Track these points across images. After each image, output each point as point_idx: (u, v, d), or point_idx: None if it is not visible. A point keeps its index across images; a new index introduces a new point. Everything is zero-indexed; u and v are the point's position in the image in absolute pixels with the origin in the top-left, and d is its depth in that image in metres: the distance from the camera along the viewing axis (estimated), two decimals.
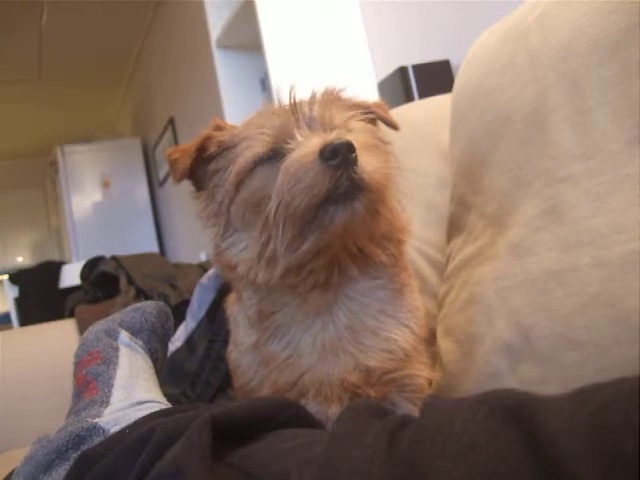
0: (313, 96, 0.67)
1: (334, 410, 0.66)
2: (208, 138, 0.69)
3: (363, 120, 0.69)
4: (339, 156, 0.57)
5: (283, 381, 0.68)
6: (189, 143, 0.70)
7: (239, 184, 0.65)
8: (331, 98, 0.68)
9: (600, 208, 0.64)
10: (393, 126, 0.73)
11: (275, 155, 0.63)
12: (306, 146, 0.60)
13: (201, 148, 0.69)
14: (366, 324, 0.68)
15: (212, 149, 0.69)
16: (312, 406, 0.66)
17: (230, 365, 0.77)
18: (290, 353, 0.68)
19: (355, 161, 0.58)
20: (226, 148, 0.68)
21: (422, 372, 0.70)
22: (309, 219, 0.59)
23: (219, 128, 0.70)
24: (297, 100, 0.66)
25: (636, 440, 0.31)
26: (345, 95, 0.71)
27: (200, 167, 0.70)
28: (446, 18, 1.71)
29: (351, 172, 0.58)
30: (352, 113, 0.68)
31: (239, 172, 0.64)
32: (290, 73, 2.01)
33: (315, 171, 0.58)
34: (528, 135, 0.75)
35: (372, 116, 0.71)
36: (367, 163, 0.59)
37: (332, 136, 0.59)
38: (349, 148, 0.57)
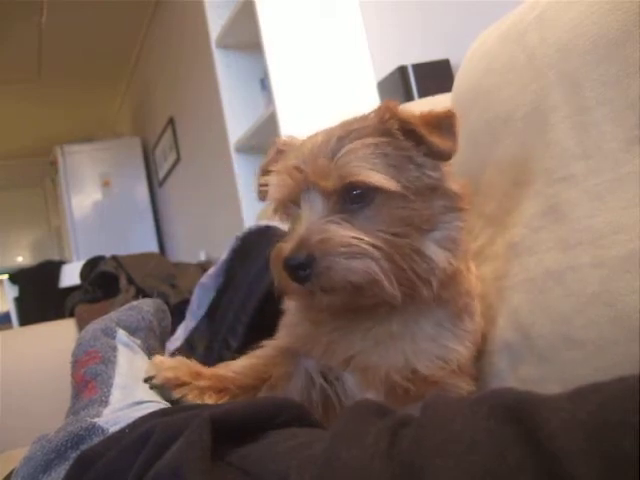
0: (338, 139, 0.64)
1: (370, 396, 0.67)
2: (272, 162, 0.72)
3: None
4: (293, 271, 0.61)
5: (334, 350, 0.69)
6: (270, 164, 0.72)
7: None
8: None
9: (600, 207, 0.64)
10: (440, 155, 0.65)
11: (290, 207, 0.68)
12: (290, 239, 0.63)
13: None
14: (423, 329, 0.68)
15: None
16: (351, 386, 0.68)
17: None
18: (342, 334, 0.69)
19: (309, 277, 0.60)
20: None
21: (467, 385, 0.69)
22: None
23: (280, 152, 0.72)
24: (322, 141, 0.65)
25: (636, 439, 0.31)
26: (400, 113, 0.65)
27: None
28: (446, 18, 1.71)
29: (307, 283, 0.61)
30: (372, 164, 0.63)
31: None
32: (290, 73, 2.01)
33: (280, 272, 0.63)
34: (528, 134, 0.75)
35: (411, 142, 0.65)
36: (337, 271, 0.60)
37: (295, 244, 0.61)
38: (299, 267, 0.60)
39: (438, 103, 1.10)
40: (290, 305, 0.76)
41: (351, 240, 0.60)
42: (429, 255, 0.64)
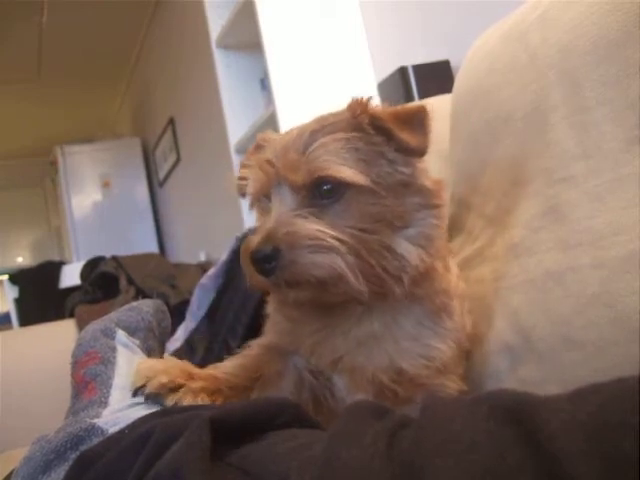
0: (311, 133, 0.64)
1: (358, 398, 0.67)
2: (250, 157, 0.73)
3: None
4: (259, 264, 0.61)
5: (321, 353, 0.68)
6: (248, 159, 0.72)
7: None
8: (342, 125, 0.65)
9: (600, 208, 0.64)
10: (410, 151, 0.64)
11: (263, 202, 0.68)
12: (259, 231, 0.63)
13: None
14: (404, 329, 0.67)
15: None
16: (341, 388, 0.68)
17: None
18: (324, 335, 0.68)
19: (274, 270, 0.60)
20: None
21: (454, 384, 0.69)
22: None
23: (259, 147, 0.72)
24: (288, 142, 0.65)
25: (635, 440, 0.31)
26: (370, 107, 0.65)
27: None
28: (446, 18, 1.71)
29: (272, 276, 0.60)
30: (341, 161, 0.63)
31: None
32: (290, 73, 2.01)
33: (247, 265, 0.63)
34: (528, 134, 0.75)
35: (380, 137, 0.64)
36: (301, 265, 0.59)
37: (262, 237, 0.61)
38: (265, 259, 0.60)
39: (438, 104, 1.10)
40: (270, 308, 0.76)
41: (317, 234, 0.60)
42: (400, 252, 0.64)
